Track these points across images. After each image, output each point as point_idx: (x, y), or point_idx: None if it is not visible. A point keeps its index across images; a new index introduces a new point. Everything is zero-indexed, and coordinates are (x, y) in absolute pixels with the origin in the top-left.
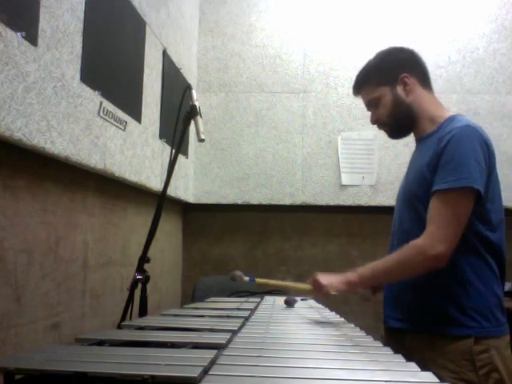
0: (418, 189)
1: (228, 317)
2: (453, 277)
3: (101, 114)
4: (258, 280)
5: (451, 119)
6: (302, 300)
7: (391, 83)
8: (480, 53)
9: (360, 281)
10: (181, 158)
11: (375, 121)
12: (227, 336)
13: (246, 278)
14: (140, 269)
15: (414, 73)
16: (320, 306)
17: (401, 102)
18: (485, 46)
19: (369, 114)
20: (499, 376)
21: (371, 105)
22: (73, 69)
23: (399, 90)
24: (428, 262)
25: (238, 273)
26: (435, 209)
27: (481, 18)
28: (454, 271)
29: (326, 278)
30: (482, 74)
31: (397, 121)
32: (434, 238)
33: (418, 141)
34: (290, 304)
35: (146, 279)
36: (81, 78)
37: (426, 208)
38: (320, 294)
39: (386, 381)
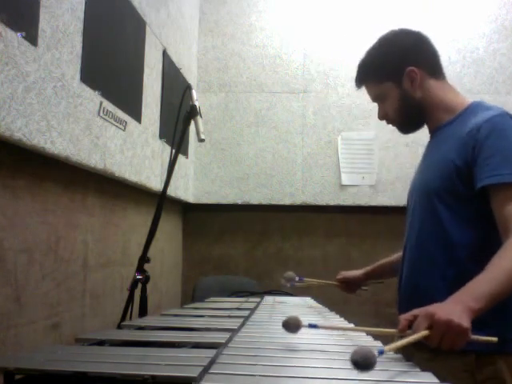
0: (440, 183)
1: (228, 317)
2: (455, 283)
3: (101, 114)
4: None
5: (475, 106)
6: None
7: (396, 78)
8: (480, 53)
9: (484, 307)
10: (181, 157)
11: (383, 116)
12: (227, 335)
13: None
14: (140, 269)
15: (421, 62)
16: (320, 305)
17: (409, 98)
18: (485, 46)
19: (370, 112)
20: None
21: (377, 100)
22: (73, 69)
23: (406, 84)
24: None
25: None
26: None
27: (481, 18)
28: (461, 281)
29: (455, 316)
30: (482, 74)
31: (406, 117)
32: None
33: (434, 131)
34: (291, 329)
35: (146, 279)
36: (81, 78)
37: (445, 204)
38: (454, 345)
39: (385, 381)
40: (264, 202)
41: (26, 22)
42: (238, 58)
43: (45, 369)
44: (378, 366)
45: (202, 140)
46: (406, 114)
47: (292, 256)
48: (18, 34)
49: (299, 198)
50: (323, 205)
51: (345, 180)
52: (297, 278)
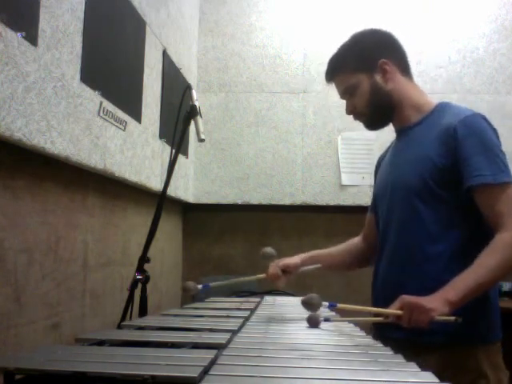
0: (420, 183)
1: (228, 317)
2: (437, 282)
3: (101, 113)
4: (340, 306)
5: (444, 106)
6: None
7: (369, 70)
8: (480, 53)
9: (462, 299)
10: (181, 157)
11: (351, 111)
12: (227, 336)
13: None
14: (140, 269)
15: (393, 58)
16: None
17: (380, 90)
18: (485, 46)
19: None
20: (487, 383)
21: (346, 93)
22: (73, 69)
23: (378, 77)
24: None
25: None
26: (502, 201)
27: (481, 18)
28: (438, 276)
29: (423, 300)
30: (482, 74)
31: (375, 110)
32: None
33: (402, 131)
34: (314, 324)
35: (146, 279)
36: (81, 78)
37: (425, 204)
38: (419, 322)
39: (385, 381)
40: (264, 202)
41: (26, 21)
42: (238, 58)
43: (45, 369)
44: (378, 366)
45: (202, 140)
46: (375, 105)
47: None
48: (18, 34)
49: (299, 198)
50: (323, 205)
51: (345, 180)
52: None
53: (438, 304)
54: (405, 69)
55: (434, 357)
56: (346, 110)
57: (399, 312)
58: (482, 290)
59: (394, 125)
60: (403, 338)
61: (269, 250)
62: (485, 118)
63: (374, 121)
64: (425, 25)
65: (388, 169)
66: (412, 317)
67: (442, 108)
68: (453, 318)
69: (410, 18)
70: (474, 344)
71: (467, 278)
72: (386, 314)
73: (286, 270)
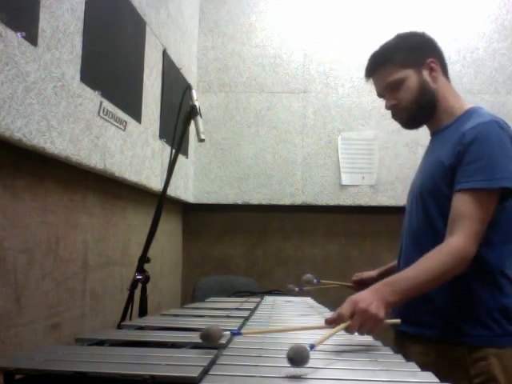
0: (430, 184)
1: (228, 317)
2: (454, 281)
3: (101, 113)
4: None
5: (471, 112)
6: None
7: (417, 66)
8: (480, 53)
9: (399, 299)
10: (181, 158)
11: (393, 106)
12: (227, 336)
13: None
14: (140, 269)
15: (438, 57)
16: (320, 305)
17: (427, 87)
18: (485, 46)
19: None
20: None
21: (389, 87)
22: (73, 69)
23: (425, 74)
24: (463, 265)
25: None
26: (463, 207)
27: (481, 18)
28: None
29: (373, 306)
30: (482, 74)
31: (420, 107)
32: (468, 240)
33: (434, 134)
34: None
35: (146, 279)
36: (81, 78)
37: (436, 205)
38: (370, 331)
39: (385, 381)
40: (264, 202)
41: (26, 21)
42: (238, 58)
43: (45, 369)
44: (378, 366)
45: (202, 140)
46: (421, 102)
47: (292, 256)
48: (18, 33)
49: (299, 198)
50: (323, 205)
51: (345, 180)
52: (315, 281)
53: (384, 310)
54: (446, 70)
55: (446, 355)
56: (386, 104)
57: (347, 324)
58: (421, 291)
59: (429, 127)
60: (416, 334)
61: (309, 276)
62: (500, 125)
63: (415, 118)
64: (425, 25)
65: (416, 174)
66: (363, 326)
67: (469, 114)
68: (398, 320)
69: (410, 18)
70: (485, 346)
71: (406, 277)
72: (337, 330)
73: (363, 283)
